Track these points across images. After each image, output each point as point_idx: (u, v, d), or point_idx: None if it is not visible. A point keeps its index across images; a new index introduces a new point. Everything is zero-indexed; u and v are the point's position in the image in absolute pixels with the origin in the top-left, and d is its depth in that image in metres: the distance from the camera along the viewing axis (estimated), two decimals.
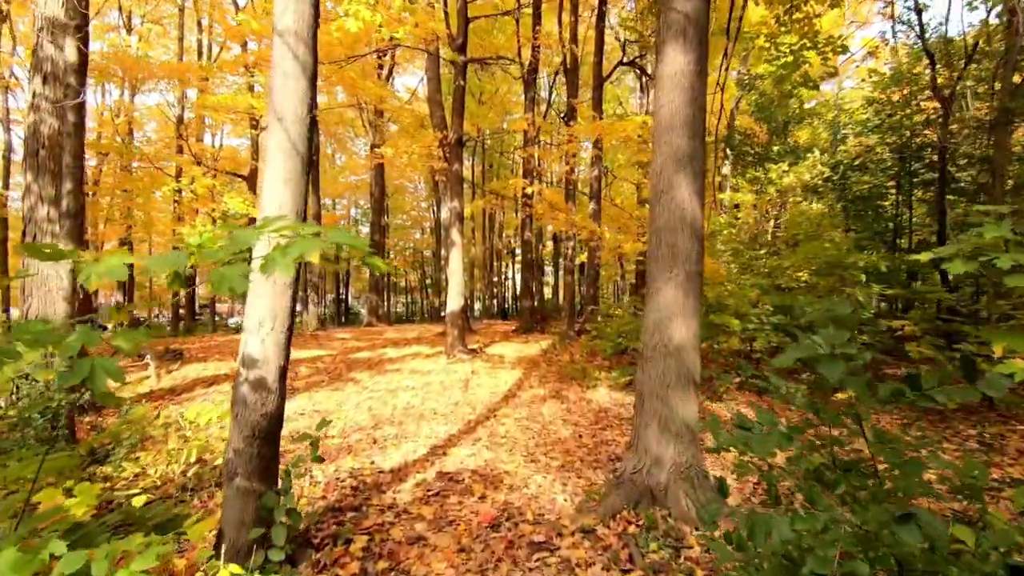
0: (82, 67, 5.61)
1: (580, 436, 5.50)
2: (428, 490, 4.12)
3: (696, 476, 3.51)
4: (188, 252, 1.98)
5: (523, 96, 16.40)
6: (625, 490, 3.58)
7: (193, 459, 3.46)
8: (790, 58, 7.08)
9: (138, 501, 2.88)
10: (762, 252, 8.93)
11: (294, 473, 3.96)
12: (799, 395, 4.61)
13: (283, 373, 2.91)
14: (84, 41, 5.87)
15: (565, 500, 3.87)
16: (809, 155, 10.06)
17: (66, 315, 4.96)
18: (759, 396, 7.19)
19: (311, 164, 2.93)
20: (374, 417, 6.37)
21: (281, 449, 4.77)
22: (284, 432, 5.84)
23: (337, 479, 4.31)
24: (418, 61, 24.47)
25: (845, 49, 7.18)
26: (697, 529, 3.28)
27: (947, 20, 8.05)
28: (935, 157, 11.99)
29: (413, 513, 3.67)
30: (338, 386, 8.10)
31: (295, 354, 11.15)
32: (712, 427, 2.17)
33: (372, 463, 4.73)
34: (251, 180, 15.67)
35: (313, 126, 2.98)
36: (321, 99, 21.85)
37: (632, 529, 3.30)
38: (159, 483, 3.41)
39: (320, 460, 2.61)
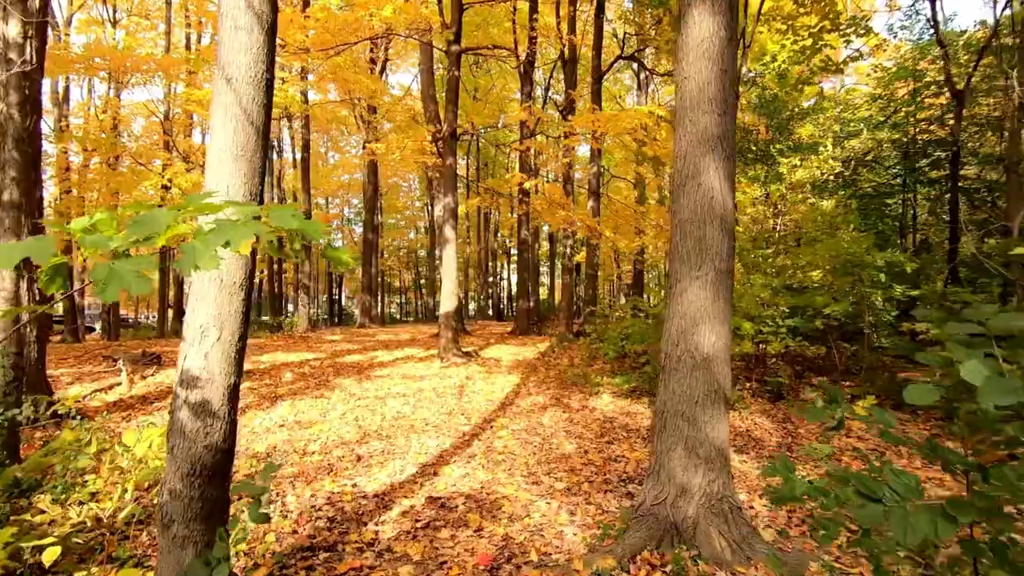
0: (36, 45, 5.03)
1: (586, 452, 4.95)
2: (416, 520, 3.55)
3: (730, 509, 2.97)
4: (56, 239, 1.41)
5: (519, 93, 15.87)
6: (646, 525, 3.03)
7: (130, 495, 2.88)
8: (808, 41, 6.56)
9: (50, 555, 2.29)
10: (769, 251, 8.44)
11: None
12: (836, 412, 3.87)
13: (233, 394, 2.33)
14: (41, 14, 5.27)
15: (574, 534, 3.31)
16: (822, 149, 9.55)
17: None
18: (772, 404, 6.67)
19: (268, 137, 2.35)
20: (360, 429, 5.79)
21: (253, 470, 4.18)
22: (260, 448, 5.27)
23: (312, 507, 3.73)
24: (412, 58, 23.90)
25: (869, 31, 6.68)
26: (733, 575, 2.73)
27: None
28: (942, 154, 11.58)
29: (397, 552, 3.11)
30: (324, 393, 7.51)
31: (281, 357, 10.53)
32: (785, 475, 1.63)
33: (354, 486, 4.15)
34: None
35: (270, 90, 2.41)
36: (313, 96, 21.23)
37: (657, 575, 2.75)
38: (89, 523, 2.83)
39: (267, 519, 2.03)
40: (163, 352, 10.47)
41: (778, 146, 11.28)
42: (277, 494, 3.95)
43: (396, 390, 7.67)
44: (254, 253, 2.39)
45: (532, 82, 14.92)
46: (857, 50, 7.18)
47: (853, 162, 9.49)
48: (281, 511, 3.63)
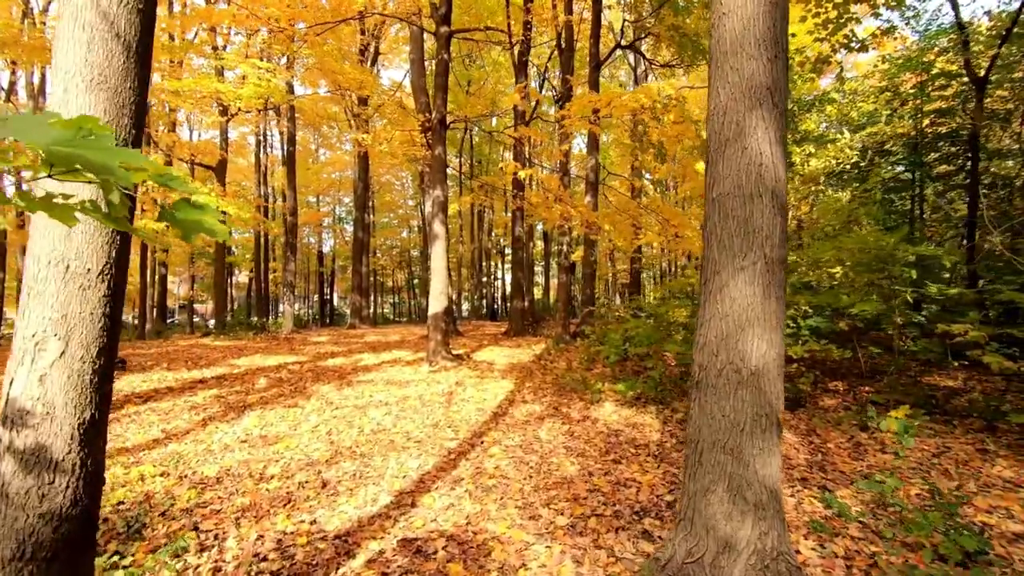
0: None
1: (590, 474, 4.21)
2: (384, 573, 2.80)
3: (788, 570, 2.24)
4: None
5: (513, 88, 15.13)
6: None
7: None
8: (833, 13, 5.87)
9: None
10: None
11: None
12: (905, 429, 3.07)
13: (90, 434, 1.57)
14: None
15: None
16: (839, 137, 8.86)
17: None
18: (792, 412, 5.97)
19: (149, 61, 1.57)
20: (332, 445, 5.02)
21: (213, 509, 3.27)
22: (211, 471, 4.46)
23: (256, 555, 2.96)
24: (403, 53, 23.11)
25: (900, 2, 6.02)
26: None
27: None
28: (953, 148, 10.98)
29: None
30: (298, 402, 6.73)
31: (259, 361, 9.72)
32: None
33: (313, 523, 3.39)
34: (219, 172, 14.15)
35: None
36: (301, 91, 20.41)
37: None
38: None
39: None
40: (130, 356, 9.65)
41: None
42: (216, 536, 3.18)
43: (378, 398, 6.90)
44: (126, 236, 1.63)
45: (527, 75, 14.20)
46: (888, 20, 6.47)
47: (870, 151, 8.77)
48: (214, 563, 2.86)
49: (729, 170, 2.45)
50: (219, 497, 3.76)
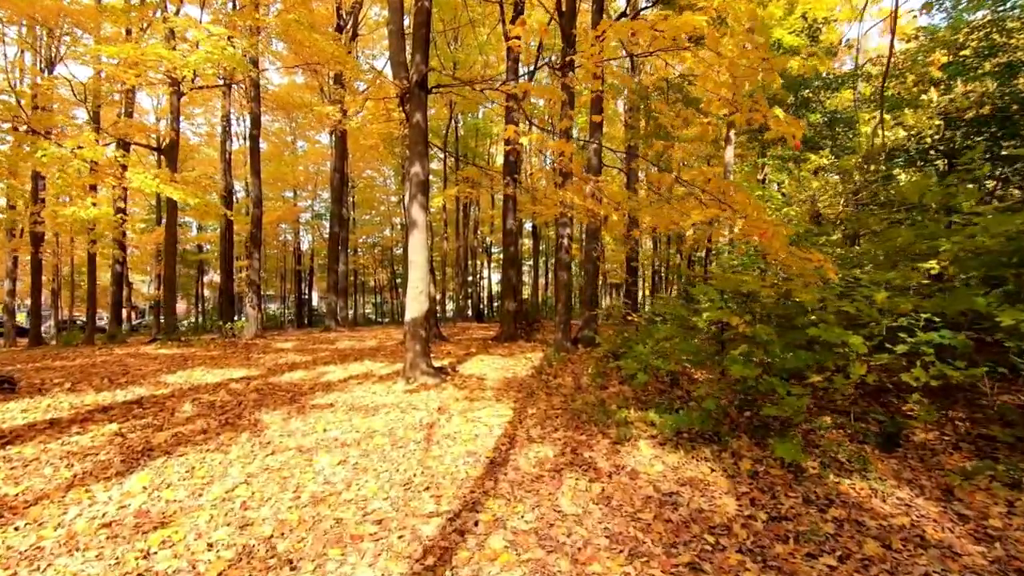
0: None
1: None
2: None
3: None
4: None
5: (504, 69, 13.28)
6: None
7: None
8: None
9: None
10: (835, 236, 6.08)
11: None
12: None
13: None
14: None
15: None
16: (924, 98, 7.19)
17: None
18: (887, 453, 4.22)
19: None
20: (242, 534, 3.08)
21: None
22: None
23: None
24: (384, 41, 21.02)
25: None
26: None
27: None
28: (993, 130, 9.49)
29: None
30: (224, 441, 4.75)
31: (198, 377, 7.63)
32: None
33: None
34: (170, 154, 11.93)
35: None
36: (282, 79, 18.25)
37: None
38: None
39: None
40: (37, 371, 7.48)
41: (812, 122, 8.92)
42: None
43: (334, 434, 4.96)
44: None
45: (518, 60, 12.35)
46: None
47: (957, 122, 6.89)
48: None
49: None
50: None
